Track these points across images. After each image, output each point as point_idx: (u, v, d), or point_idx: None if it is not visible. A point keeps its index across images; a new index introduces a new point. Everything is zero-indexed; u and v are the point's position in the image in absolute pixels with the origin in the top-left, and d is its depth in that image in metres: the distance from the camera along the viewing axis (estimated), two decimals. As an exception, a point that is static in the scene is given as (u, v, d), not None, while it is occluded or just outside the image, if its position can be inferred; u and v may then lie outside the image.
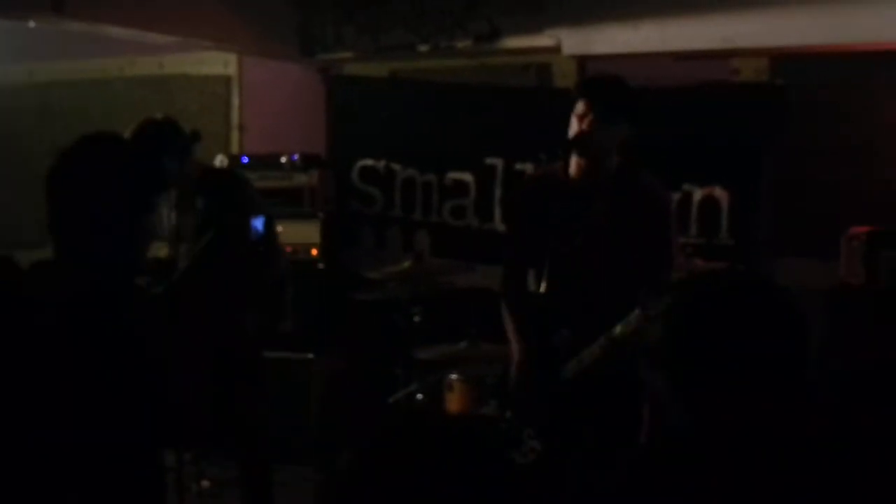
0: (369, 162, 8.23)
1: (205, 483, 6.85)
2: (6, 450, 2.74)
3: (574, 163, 4.83)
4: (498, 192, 7.77)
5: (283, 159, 8.02)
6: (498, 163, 7.84)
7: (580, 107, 4.77)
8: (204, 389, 3.06)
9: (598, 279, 4.79)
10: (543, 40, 7.61)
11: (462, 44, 7.85)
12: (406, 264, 6.93)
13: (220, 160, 8.14)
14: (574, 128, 4.76)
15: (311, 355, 7.80)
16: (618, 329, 4.50)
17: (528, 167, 7.44)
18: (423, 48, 7.96)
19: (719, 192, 7.21)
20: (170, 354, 3.00)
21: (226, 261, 3.35)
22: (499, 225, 7.63)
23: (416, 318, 6.98)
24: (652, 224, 4.83)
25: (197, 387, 3.05)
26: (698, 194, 7.24)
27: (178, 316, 3.44)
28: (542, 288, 4.84)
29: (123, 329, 2.90)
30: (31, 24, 6.54)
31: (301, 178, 7.99)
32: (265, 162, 8.08)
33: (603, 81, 5.04)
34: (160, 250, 5.24)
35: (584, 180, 4.82)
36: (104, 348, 2.84)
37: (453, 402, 6.65)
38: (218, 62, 8.94)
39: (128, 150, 3.18)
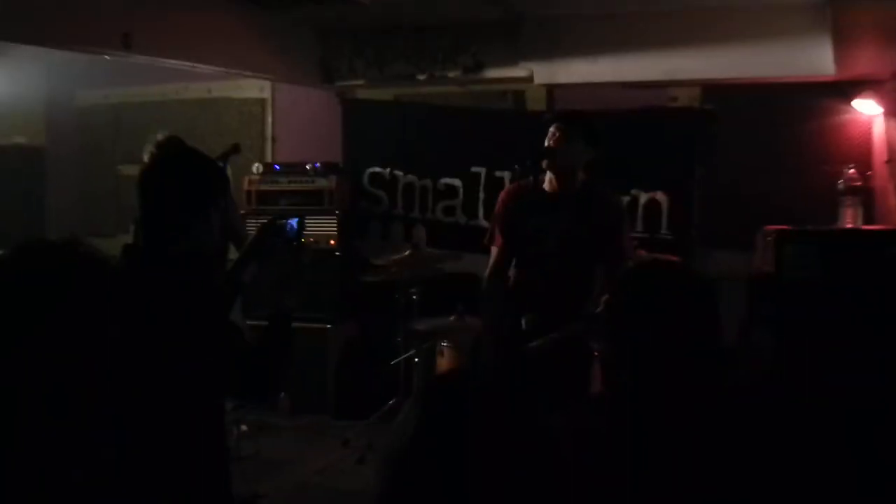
0: (377, 169, 8.21)
1: (244, 427, 6.89)
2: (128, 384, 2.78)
3: (548, 180, 4.86)
4: (482, 195, 7.77)
5: (308, 167, 8.01)
6: (481, 171, 7.84)
7: (552, 129, 4.83)
8: (261, 352, 3.12)
9: (567, 273, 4.83)
10: (518, 72, 7.62)
11: (452, 74, 7.85)
12: (406, 253, 6.96)
13: (256, 167, 8.20)
14: (546, 144, 4.83)
15: (328, 325, 7.82)
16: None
17: (506, 174, 7.47)
18: (420, 77, 7.96)
19: (661, 196, 7.25)
20: (230, 322, 3.08)
21: (270, 253, 3.39)
22: (482, 221, 7.53)
23: (414, 297, 7.01)
24: (609, 226, 4.87)
25: (255, 350, 3.12)
26: (644, 198, 7.28)
27: (234, 295, 3.49)
28: (518, 278, 4.86)
29: (198, 297, 2.98)
30: (107, 57, 6.57)
31: (322, 182, 7.97)
32: (293, 169, 8.08)
33: (568, 112, 5.13)
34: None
35: (556, 194, 4.85)
36: (182, 312, 2.90)
37: (443, 365, 6.70)
38: (255, 87, 8.93)
39: (200, 160, 3.23)
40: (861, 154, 7.22)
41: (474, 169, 7.88)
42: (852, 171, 6.52)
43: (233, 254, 5.74)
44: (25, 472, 2.05)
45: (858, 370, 5.38)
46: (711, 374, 2.31)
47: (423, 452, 1.56)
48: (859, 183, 6.46)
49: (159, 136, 6.33)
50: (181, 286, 2.98)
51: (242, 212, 7.61)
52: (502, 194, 5.14)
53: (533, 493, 1.56)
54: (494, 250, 5.09)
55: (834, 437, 4.72)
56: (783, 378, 5.41)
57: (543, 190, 4.85)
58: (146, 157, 6.18)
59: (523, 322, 4.74)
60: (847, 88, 7.17)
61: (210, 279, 3.19)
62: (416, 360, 6.88)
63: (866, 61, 6.50)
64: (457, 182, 7.96)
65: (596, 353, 5.05)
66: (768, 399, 2.55)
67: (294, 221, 3.35)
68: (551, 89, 7.95)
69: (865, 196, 6.67)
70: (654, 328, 2.34)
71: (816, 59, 6.63)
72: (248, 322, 6.50)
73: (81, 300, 2.17)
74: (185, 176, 3.10)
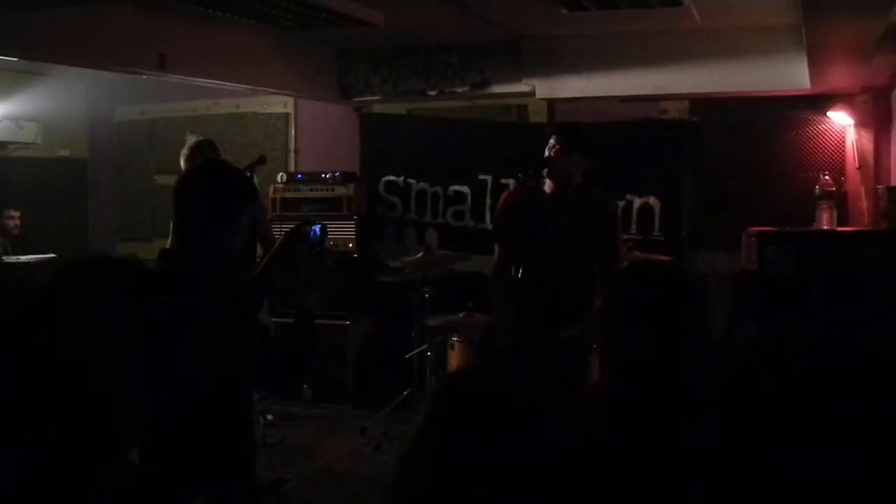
0: (392, 177, 8.23)
1: (270, 416, 6.92)
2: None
3: (547, 184, 4.86)
4: (488, 201, 7.78)
5: (327, 176, 8.03)
6: (488, 178, 7.87)
7: (551, 141, 4.83)
8: (285, 348, 3.13)
9: (564, 269, 4.82)
10: (521, 87, 7.64)
11: (461, 90, 7.88)
12: (419, 254, 6.99)
13: (280, 177, 8.24)
14: (546, 155, 4.83)
15: (347, 322, 7.84)
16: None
17: (511, 181, 7.45)
18: (431, 93, 7.98)
19: (653, 201, 7.28)
20: (258, 320, 3.08)
21: (294, 256, 3.39)
22: (489, 225, 7.53)
23: (427, 295, 7.03)
24: (603, 228, 4.86)
25: (280, 346, 3.13)
26: (637, 202, 7.31)
27: (261, 294, 3.49)
28: (520, 275, 4.83)
29: (227, 296, 2.98)
30: (144, 76, 6.61)
31: (341, 190, 7.98)
32: (314, 178, 8.10)
33: (566, 125, 5.11)
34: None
35: (554, 197, 4.84)
36: (212, 310, 2.88)
37: (454, 358, 6.71)
38: (279, 103, 8.98)
39: (230, 171, 3.23)
40: (835, 161, 7.29)
41: (481, 177, 7.90)
42: (827, 177, 6.55)
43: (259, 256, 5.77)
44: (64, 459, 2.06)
45: (833, 355, 5.39)
46: (700, 364, 2.30)
47: (431, 443, 1.57)
48: (834, 188, 6.50)
49: (192, 140, 6.35)
50: (212, 285, 2.98)
51: (268, 217, 7.62)
52: (504, 198, 5.13)
53: (535, 476, 1.58)
54: (498, 249, 5.09)
55: (813, 417, 4.72)
56: (766, 365, 5.40)
57: (542, 194, 4.85)
58: (182, 159, 6.19)
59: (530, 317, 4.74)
60: (822, 101, 7.23)
61: (238, 279, 3.20)
62: (429, 353, 6.88)
63: (838, 77, 6.53)
64: (465, 189, 7.98)
65: (595, 347, 5.06)
66: (753, 386, 2.54)
67: (317, 228, 3.35)
68: (552, 103, 7.96)
69: (839, 200, 6.71)
70: (645, 324, 2.31)
71: (793, 75, 6.67)
72: (273, 320, 6.54)
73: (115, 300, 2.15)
74: (216, 185, 3.09)
